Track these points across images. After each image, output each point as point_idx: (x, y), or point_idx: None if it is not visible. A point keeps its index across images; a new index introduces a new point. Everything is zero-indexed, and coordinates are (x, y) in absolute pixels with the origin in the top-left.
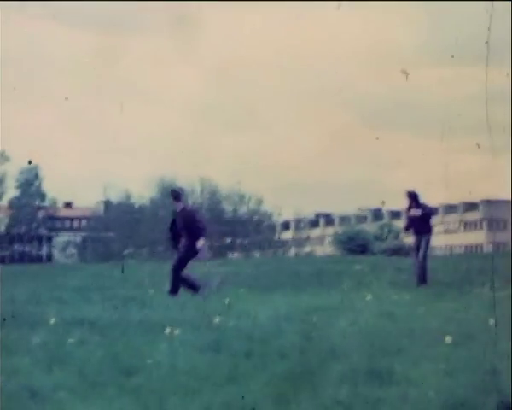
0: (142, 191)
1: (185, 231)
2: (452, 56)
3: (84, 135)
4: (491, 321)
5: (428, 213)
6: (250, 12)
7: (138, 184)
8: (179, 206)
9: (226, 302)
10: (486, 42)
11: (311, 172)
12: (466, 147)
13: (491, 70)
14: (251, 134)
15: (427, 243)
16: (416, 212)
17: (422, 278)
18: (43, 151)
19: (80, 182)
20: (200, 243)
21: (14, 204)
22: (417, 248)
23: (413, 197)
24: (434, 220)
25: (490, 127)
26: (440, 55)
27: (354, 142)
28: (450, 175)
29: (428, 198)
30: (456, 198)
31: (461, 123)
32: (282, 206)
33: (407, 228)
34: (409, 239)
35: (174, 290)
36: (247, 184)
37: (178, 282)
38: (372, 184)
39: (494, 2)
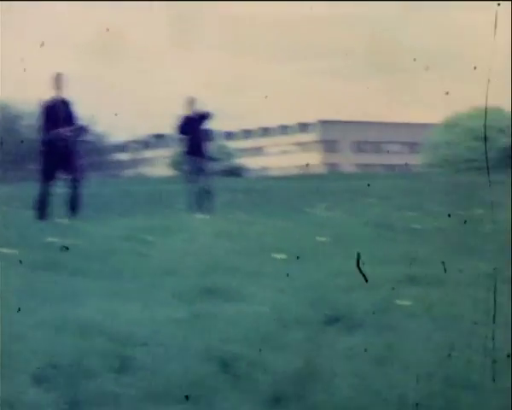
0: None
1: None
2: None
3: None
4: (322, 239)
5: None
6: None
7: None
8: None
9: (61, 222)
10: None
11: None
12: (309, 70)
13: None
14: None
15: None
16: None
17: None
18: None
19: None
20: None
21: None
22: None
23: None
24: (267, 142)
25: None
26: None
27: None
28: (287, 96)
29: (266, 120)
30: (291, 119)
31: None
32: (118, 127)
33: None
34: (243, 160)
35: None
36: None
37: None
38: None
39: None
